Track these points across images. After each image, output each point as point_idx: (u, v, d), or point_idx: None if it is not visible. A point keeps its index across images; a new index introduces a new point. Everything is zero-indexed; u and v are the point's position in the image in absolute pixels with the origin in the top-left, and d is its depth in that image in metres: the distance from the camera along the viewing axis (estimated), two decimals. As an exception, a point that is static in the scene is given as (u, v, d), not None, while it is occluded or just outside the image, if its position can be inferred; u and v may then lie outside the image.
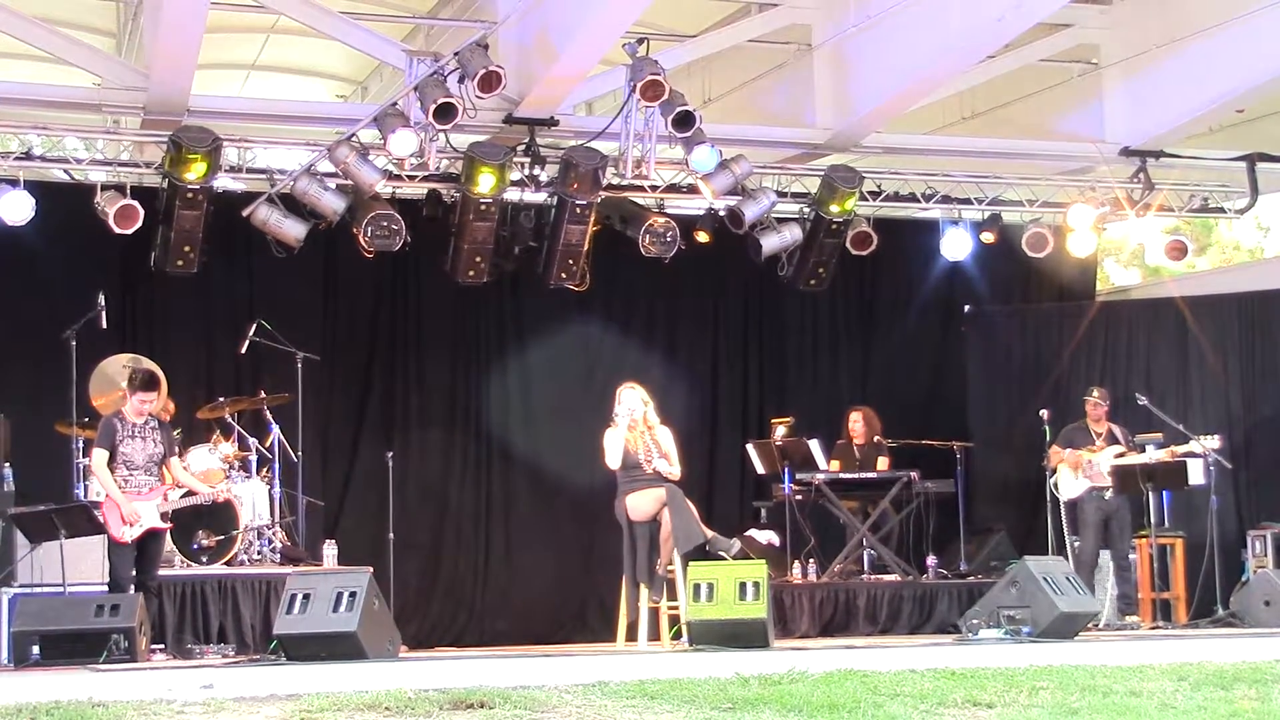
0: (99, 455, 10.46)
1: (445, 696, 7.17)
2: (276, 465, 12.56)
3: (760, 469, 14.10)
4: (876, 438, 14.07)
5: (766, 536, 13.37)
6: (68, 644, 9.34)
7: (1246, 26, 12.18)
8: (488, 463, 14.32)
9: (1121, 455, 12.90)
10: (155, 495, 10.49)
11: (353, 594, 9.07)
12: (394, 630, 9.70)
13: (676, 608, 10.97)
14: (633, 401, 11.19)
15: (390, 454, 12.90)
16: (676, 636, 10.84)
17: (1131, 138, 13.86)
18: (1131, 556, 13.12)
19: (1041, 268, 15.21)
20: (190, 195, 11.97)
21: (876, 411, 14.31)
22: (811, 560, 13.38)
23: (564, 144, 12.85)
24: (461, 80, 11.50)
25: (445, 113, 11.42)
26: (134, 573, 10.41)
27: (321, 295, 13.92)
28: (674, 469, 11.24)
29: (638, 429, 11.17)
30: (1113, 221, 14.81)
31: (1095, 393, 13.19)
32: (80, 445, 11.65)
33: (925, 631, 12.91)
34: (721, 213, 13.55)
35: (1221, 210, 15.12)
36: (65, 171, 12.51)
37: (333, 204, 12.39)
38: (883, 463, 13.92)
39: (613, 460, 11.13)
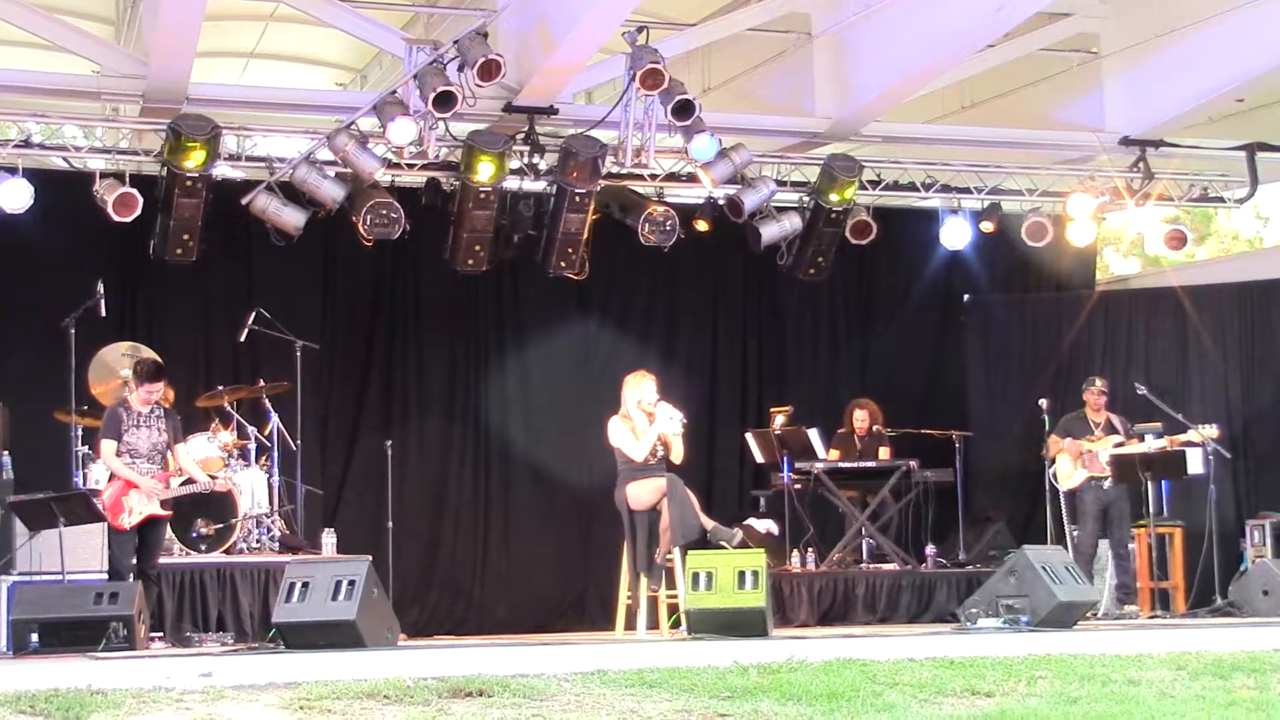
0: (108, 446, 10.46)
1: (444, 685, 7.19)
2: (275, 454, 12.56)
3: (759, 458, 14.11)
4: (876, 427, 14.08)
5: (765, 525, 13.34)
6: (67, 632, 9.33)
7: (1246, 16, 12.18)
8: (486, 451, 14.32)
9: (1120, 445, 12.91)
10: (157, 483, 10.49)
11: (351, 582, 9.07)
12: (393, 619, 9.69)
13: (675, 596, 10.98)
14: (653, 395, 11.13)
15: (389, 443, 12.90)
16: (675, 625, 10.84)
17: (1131, 127, 13.86)
18: (1130, 546, 13.12)
19: (1041, 257, 15.21)
20: (189, 183, 11.96)
21: (876, 401, 14.32)
22: (810, 549, 13.39)
23: (563, 132, 12.84)
24: (461, 69, 11.51)
25: (444, 101, 11.42)
26: (134, 561, 10.42)
27: (320, 284, 13.92)
28: (678, 453, 11.22)
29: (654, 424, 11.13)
30: (1112, 211, 14.82)
31: (1096, 382, 13.18)
32: (79, 433, 11.65)
33: (924, 621, 12.92)
34: (721, 201, 13.55)
35: (1221, 200, 15.11)
36: (64, 159, 12.50)
37: (332, 192, 12.39)
38: (884, 453, 13.91)
39: (638, 454, 11.05)
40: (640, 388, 11.14)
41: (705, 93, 13.71)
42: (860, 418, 14.11)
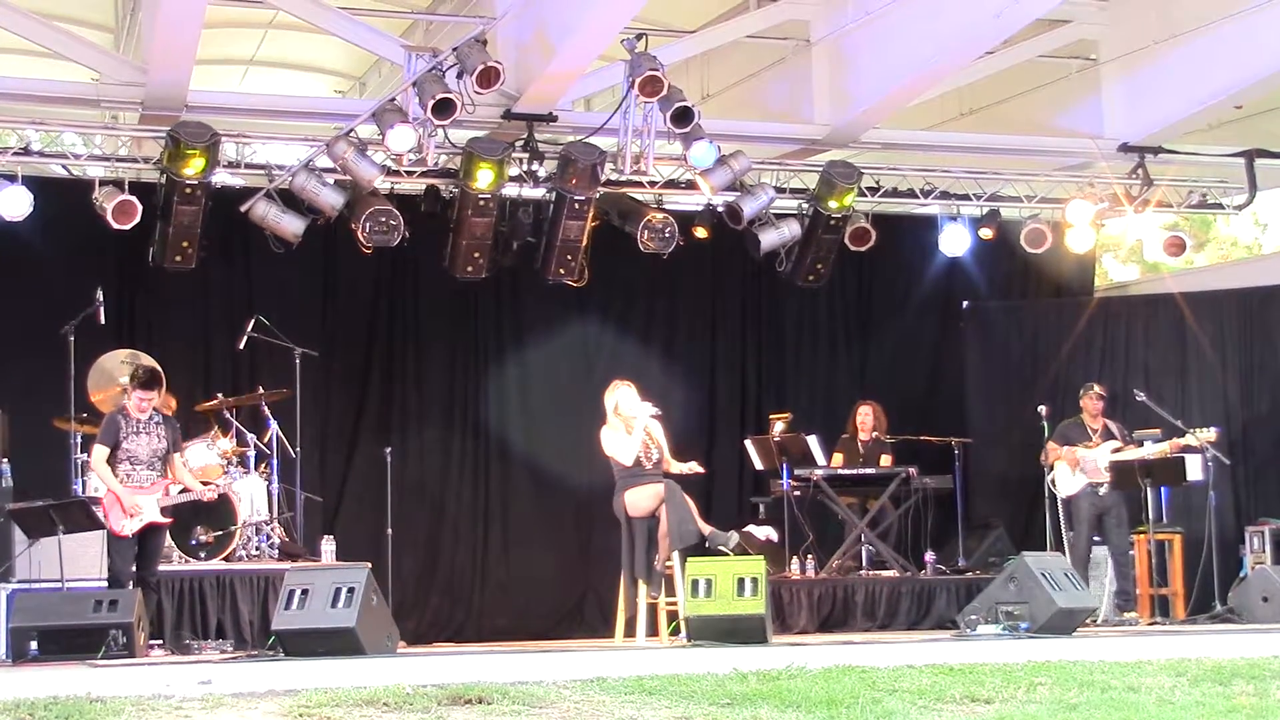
0: (99, 451, 10.49)
1: (444, 692, 7.19)
2: (275, 461, 12.56)
3: (759, 465, 14.10)
4: (877, 434, 14.06)
5: (765, 532, 13.35)
6: (66, 639, 9.32)
7: (1245, 23, 12.19)
8: (486, 459, 14.32)
9: (1118, 450, 12.90)
10: (157, 490, 10.50)
11: (351, 589, 9.07)
12: (392, 626, 9.70)
13: (675, 603, 10.98)
14: (635, 401, 11.18)
15: (388, 450, 12.88)
16: (675, 632, 10.84)
17: (1130, 134, 13.86)
18: (1130, 552, 13.12)
19: (1040, 264, 15.23)
20: (188, 191, 11.97)
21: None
22: (810, 556, 13.37)
23: (562, 139, 12.86)
24: (460, 76, 11.51)
25: (444, 108, 11.42)
26: (134, 568, 10.42)
27: (320, 291, 13.92)
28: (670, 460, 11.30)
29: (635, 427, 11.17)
30: (1111, 217, 14.82)
31: (1094, 389, 13.18)
32: (78, 441, 11.65)
33: (923, 627, 12.90)
34: (720, 208, 13.57)
35: (1220, 206, 15.13)
36: (63, 167, 12.50)
37: (331, 199, 12.39)
38: (886, 460, 13.89)
39: (627, 458, 11.12)
40: (616, 394, 11.23)
41: (704, 99, 13.72)
42: (864, 413, 14.07)
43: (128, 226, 12.04)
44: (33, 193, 11.85)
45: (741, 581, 9.81)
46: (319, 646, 8.91)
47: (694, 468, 11.64)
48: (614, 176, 13.01)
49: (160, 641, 10.67)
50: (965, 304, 15.51)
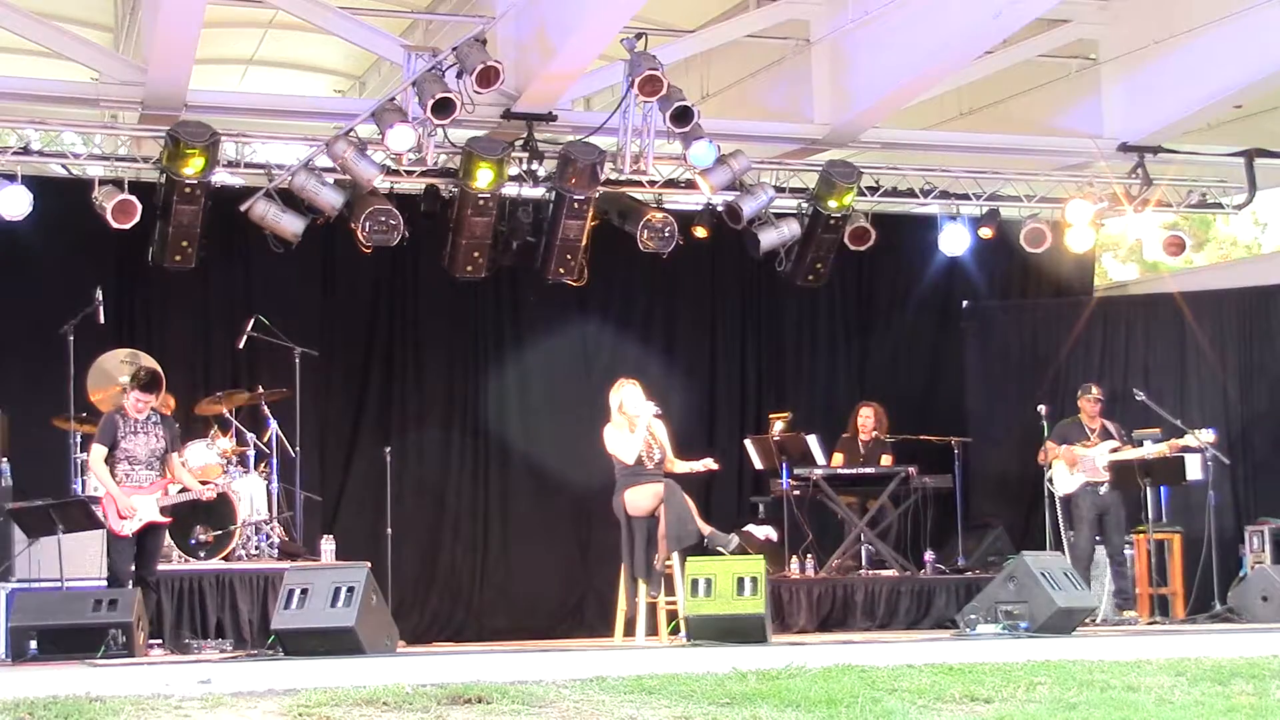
0: (97, 451, 10.48)
1: (443, 691, 7.20)
2: (274, 460, 12.56)
3: (758, 464, 14.10)
4: (877, 433, 14.06)
5: (764, 532, 13.33)
6: (65, 639, 9.32)
7: (1244, 22, 12.19)
8: (485, 458, 14.32)
9: (1116, 450, 12.90)
10: (156, 490, 10.50)
11: (350, 589, 9.07)
12: (392, 625, 9.70)
13: (674, 603, 10.98)
14: (639, 400, 11.18)
15: (388, 449, 12.89)
16: (674, 632, 10.84)
17: (1129, 133, 13.86)
18: (1128, 552, 13.13)
19: (1039, 263, 15.22)
20: (188, 190, 11.96)
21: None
22: (809, 555, 13.37)
23: (562, 139, 12.86)
24: (459, 75, 11.51)
25: (443, 108, 11.42)
26: (133, 568, 10.42)
27: (319, 290, 13.92)
28: (674, 460, 11.32)
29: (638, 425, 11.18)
30: (1111, 217, 14.83)
31: (1092, 390, 13.18)
32: (78, 440, 11.66)
33: (923, 627, 12.91)
34: (719, 208, 13.56)
35: (1219, 206, 15.13)
36: (63, 166, 12.50)
37: (331, 199, 12.39)
38: (886, 460, 13.89)
39: (629, 457, 11.13)
40: (620, 393, 11.24)
41: (704, 99, 13.72)
42: (865, 414, 14.07)
43: (127, 226, 12.04)
44: (32, 192, 11.85)
45: (741, 581, 9.81)
46: (318, 646, 8.91)
47: (708, 464, 11.64)
48: (614, 176, 13.01)
49: (160, 641, 10.68)
50: (965, 303, 15.52)
